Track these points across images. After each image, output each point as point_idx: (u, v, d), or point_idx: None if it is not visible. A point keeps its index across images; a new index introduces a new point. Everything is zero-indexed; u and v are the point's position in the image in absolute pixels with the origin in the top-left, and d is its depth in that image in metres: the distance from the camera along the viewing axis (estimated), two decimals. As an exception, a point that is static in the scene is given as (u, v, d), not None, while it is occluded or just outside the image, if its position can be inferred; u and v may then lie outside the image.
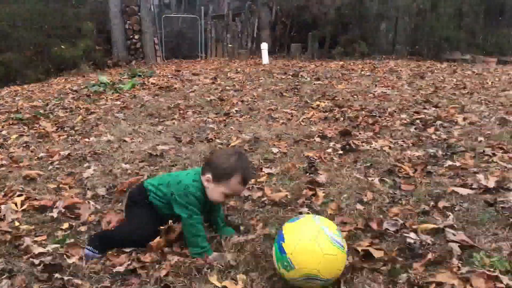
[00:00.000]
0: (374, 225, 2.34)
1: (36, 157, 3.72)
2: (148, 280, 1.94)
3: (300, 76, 8.10)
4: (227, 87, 7.08)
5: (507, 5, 18.41)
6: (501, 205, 2.60)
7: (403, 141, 4.05)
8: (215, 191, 2.20)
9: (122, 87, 7.63)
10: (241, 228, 2.42)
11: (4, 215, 2.52)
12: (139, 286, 1.90)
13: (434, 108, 5.35)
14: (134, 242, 2.23)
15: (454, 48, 16.65)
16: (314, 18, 15.62)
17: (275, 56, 15.19)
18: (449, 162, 3.40)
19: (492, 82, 7.24)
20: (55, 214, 2.55)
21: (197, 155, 3.68)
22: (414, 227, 2.31)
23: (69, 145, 4.08)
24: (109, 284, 1.92)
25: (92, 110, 5.65)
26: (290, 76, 8.08)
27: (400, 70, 8.92)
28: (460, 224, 2.41)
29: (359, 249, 2.11)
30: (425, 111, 5.20)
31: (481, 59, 13.64)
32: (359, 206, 2.64)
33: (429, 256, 2.04)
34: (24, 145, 4.21)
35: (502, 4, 18.29)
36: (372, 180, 3.05)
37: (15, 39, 13.76)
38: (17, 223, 2.47)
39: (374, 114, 5.09)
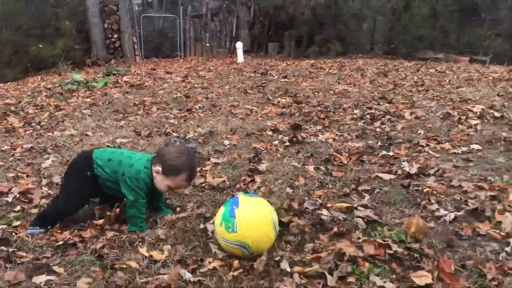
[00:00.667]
0: (295, 205, 2.62)
1: (-1, 150, 3.96)
2: (85, 251, 2.20)
3: (268, 74, 8.40)
4: (195, 85, 7.34)
5: (480, 5, 18.88)
6: (415, 188, 2.92)
7: (348, 134, 4.35)
8: (161, 183, 2.44)
9: (95, 85, 7.84)
10: (178, 209, 2.69)
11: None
12: (76, 256, 2.15)
13: (387, 104, 5.66)
14: (68, 211, 2.48)
15: (427, 47, 17.06)
16: (290, 17, 15.96)
17: (252, 55, 15.50)
18: (384, 152, 3.72)
19: (449, 80, 7.59)
20: (10, 199, 2.80)
21: (153, 148, 3.94)
22: (329, 205, 2.61)
23: (33, 139, 4.31)
24: (49, 255, 2.18)
25: (62, 107, 5.86)
26: (259, 75, 8.37)
27: (367, 69, 9.25)
28: (375, 204, 2.71)
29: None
30: (378, 106, 5.51)
31: (453, 58, 14.10)
32: (288, 190, 2.93)
33: (335, 229, 2.34)
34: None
35: (475, 4, 18.75)
36: (307, 167, 3.35)
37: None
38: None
39: (329, 109, 5.38)
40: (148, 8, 21.69)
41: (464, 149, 3.70)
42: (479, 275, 1.91)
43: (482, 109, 5.06)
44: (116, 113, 5.40)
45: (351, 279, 1.92)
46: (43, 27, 14.30)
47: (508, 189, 2.76)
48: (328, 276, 1.92)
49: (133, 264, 2.02)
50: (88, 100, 6.35)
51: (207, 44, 15.95)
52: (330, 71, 9.03)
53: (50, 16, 14.53)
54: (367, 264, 2.02)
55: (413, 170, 3.21)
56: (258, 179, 3.13)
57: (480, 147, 3.72)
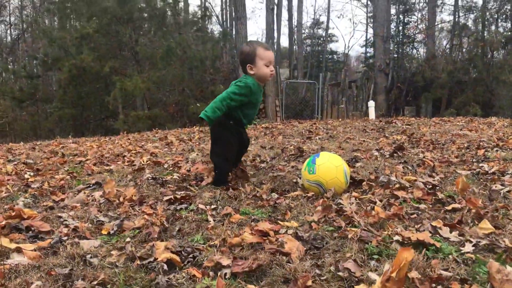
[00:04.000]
0: (372, 176, 3.28)
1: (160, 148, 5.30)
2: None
3: (393, 122, 8.95)
4: (320, 127, 8.26)
5: None
6: (485, 177, 3.34)
7: (448, 155, 4.78)
8: (259, 69, 3.11)
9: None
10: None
11: None
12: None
13: (500, 142, 5.86)
14: (230, 162, 3.25)
15: None
16: (427, 81, 16.28)
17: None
18: (475, 163, 4.12)
19: None
20: (165, 166, 3.94)
21: (265, 151, 4.90)
22: (401, 177, 3.21)
23: (185, 147, 5.62)
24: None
25: (208, 137, 7.25)
26: (384, 123, 8.97)
27: (497, 123, 9.21)
28: (441, 182, 3.22)
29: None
30: (489, 143, 5.75)
31: None
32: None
33: (396, 186, 2.95)
34: (154, 147, 5.86)
35: None
36: (396, 166, 3.94)
37: (161, 99, 16.79)
38: None
39: (439, 142, 5.80)
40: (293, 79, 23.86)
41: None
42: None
43: None
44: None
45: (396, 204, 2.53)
46: (201, 90, 16.91)
47: None
48: (378, 202, 2.57)
49: (248, 188, 2.91)
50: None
51: (342, 106, 16.91)
52: (457, 123, 9.22)
53: (208, 81, 17.14)
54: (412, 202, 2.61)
55: (492, 170, 3.60)
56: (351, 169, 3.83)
57: None
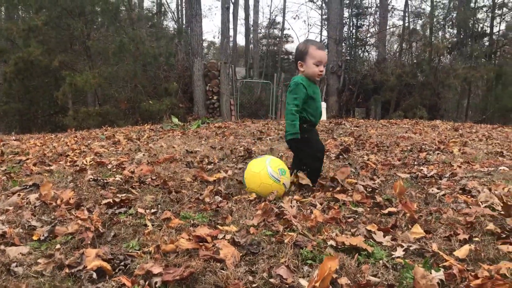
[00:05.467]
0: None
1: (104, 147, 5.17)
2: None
3: (342, 124, 9.14)
4: (273, 128, 8.33)
5: None
6: (423, 180, 3.46)
7: (391, 158, 4.93)
8: (308, 67, 3.12)
9: (190, 127, 9.18)
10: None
11: None
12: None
13: (441, 145, 6.10)
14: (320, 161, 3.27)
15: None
16: (377, 84, 16.74)
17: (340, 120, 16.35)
18: (416, 167, 4.26)
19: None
20: (109, 167, 3.84)
21: (214, 152, 4.88)
22: (343, 180, 3.28)
23: (132, 146, 5.50)
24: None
25: (159, 136, 7.13)
26: (333, 124, 9.15)
27: (440, 126, 9.60)
28: (382, 184, 3.31)
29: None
30: (431, 146, 5.98)
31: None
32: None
33: (338, 188, 3.01)
34: (101, 146, 5.71)
35: None
36: (341, 168, 4.02)
37: (113, 95, 16.41)
38: None
39: (384, 145, 5.97)
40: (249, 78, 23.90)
41: (491, 169, 4.11)
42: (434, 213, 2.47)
43: (536, 149, 5.32)
44: (200, 138, 6.50)
45: (335, 208, 2.58)
46: (155, 87, 16.62)
47: (503, 187, 3.19)
48: (318, 205, 2.61)
49: (192, 191, 2.87)
50: (179, 134, 7.57)
51: (295, 107, 17.06)
52: (403, 125, 9.53)
53: (162, 78, 16.86)
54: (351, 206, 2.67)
55: (431, 173, 3.74)
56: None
57: (507, 169, 4.10)
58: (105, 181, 3.32)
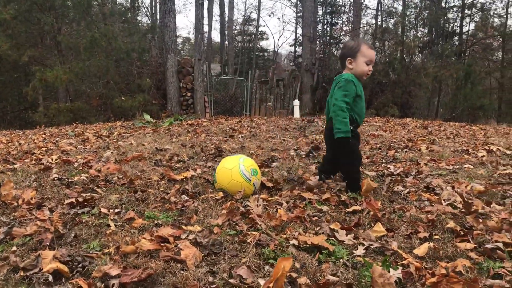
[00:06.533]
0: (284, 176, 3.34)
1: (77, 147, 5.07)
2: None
3: (314, 122, 9.21)
4: (245, 125, 8.31)
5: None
6: (390, 178, 3.52)
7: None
8: (359, 65, 3.04)
9: (162, 125, 9.09)
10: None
11: None
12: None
13: (410, 143, 6.21)
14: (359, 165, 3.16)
15: (492, 117, 17.01)
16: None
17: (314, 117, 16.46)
18: (383, 165, 4.33)
19: (485, 133, 7.95)
20: (75, 165, 3.77)
21: (193, 151, 4.84)
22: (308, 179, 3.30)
23: (101, 144, 5.41)
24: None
25: (130, 133, 7.03)
26: (306, 122, 9.20)
27: (410, 124, 9.77)
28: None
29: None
30: (400, 144, 6.08)
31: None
32: (285, 173, 3.65)
33: (304, 187, 3.03)
34: (69, 143, 5.59)
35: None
36: (310, 167, 4.05)
37: (84, 91, 16.11)
38: None
39: (354, 142, 6.04)
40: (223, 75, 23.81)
41: (457, 166, 4.20)
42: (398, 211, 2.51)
43: (498, 148, 5.45)
44: (171, 136, 6.44)
45: (300, 206, 2.59)
46: (127, 83, 16.38)
47: (466, 184, 3.27)
48: (284, 204, 2.61)
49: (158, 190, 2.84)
50: (151, 131, 7.49)
51: (269, 104, 17.14)
52: (374, 123, 9.66)
53: (135, 74, 16.63)
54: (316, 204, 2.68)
55: (397, 171, 3.80)
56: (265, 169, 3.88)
57: (471, 166, 4.20)
58: (70, 180, 3.26)
